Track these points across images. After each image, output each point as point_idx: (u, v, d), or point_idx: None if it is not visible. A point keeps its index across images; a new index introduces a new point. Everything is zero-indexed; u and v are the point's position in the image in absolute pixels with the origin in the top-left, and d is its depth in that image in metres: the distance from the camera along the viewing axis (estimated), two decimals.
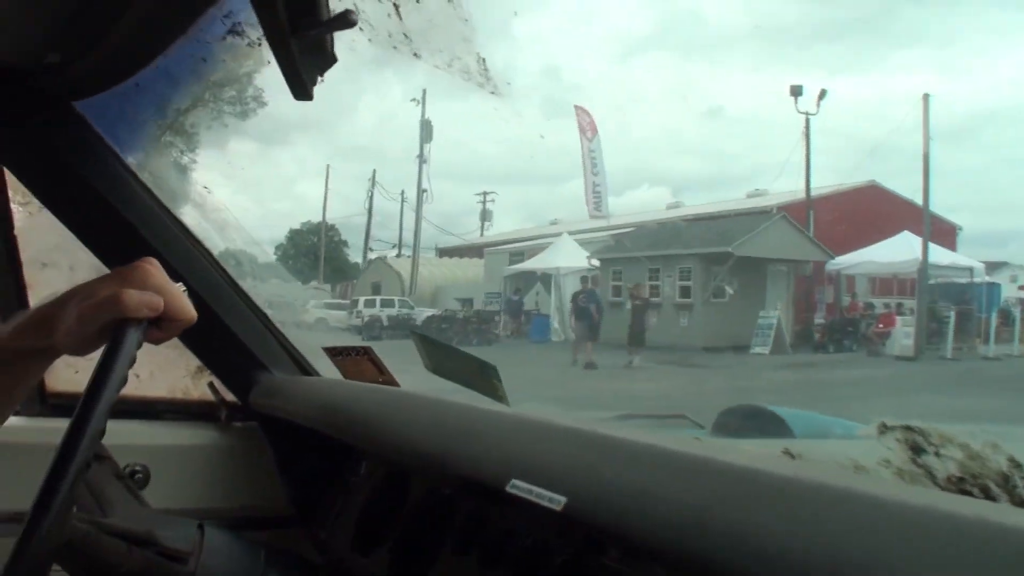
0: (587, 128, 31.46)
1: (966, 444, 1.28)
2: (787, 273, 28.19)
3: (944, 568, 0.69)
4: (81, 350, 1.10)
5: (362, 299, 33.88)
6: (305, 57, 0.91)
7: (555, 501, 1.01)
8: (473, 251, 41.74)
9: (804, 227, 28.46)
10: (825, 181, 31.90)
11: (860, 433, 1.76)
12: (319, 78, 0.99)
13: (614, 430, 1.19)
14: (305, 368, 2.15)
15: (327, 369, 2.20)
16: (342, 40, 1.09)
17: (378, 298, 33.71)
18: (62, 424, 1.07)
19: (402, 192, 36.85)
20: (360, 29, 1.11)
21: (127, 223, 1.86)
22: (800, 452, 1.40)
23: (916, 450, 1.30)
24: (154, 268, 1.08)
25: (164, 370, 2.17)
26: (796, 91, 29.69)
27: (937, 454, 1.29)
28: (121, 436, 1.25)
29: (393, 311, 31.29)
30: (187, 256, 1.90)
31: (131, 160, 1.90)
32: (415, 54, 1.05)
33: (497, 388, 1.76)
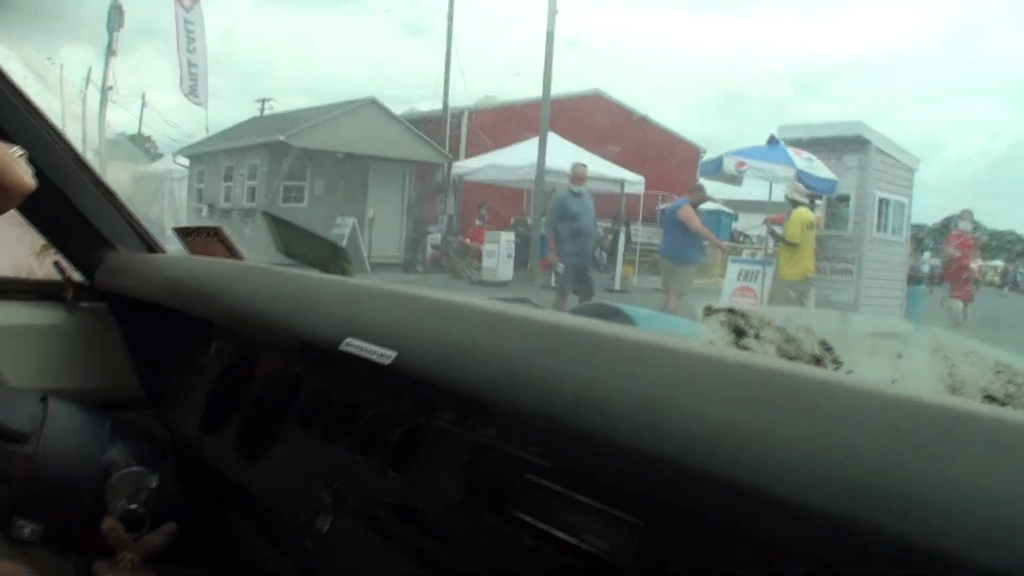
0: None
1: (783, 328, 1.37)
2: (402, 176, 23.40)
3: (745, 407, 0.74)
4: None
5: None
6: None
7: (385, 356, 1.05)
8: None
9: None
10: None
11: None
12: None
13: (450, 295, 1.23)
14: (152, 246, 2.11)
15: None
16: None
17: None
18: None
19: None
20: None
21: None
22: None
23: (738, 332, 1.38)
24: None
25: (7, 248, 2.10)
26: None
27: (757, 336, 1.38)
28: None
29: None
30: (27, 127, 1.82)
31: None
32: None
33: (347, 269, 1.78)
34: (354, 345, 1.11)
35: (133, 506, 1.40)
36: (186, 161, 24.90)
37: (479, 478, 1.03)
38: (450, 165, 23.55)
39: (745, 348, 1.38)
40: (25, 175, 1.11)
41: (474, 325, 1.08)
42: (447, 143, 24.23)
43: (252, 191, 22.36)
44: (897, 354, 1.42)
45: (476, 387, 0.95)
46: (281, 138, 21.03)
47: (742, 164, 13.54)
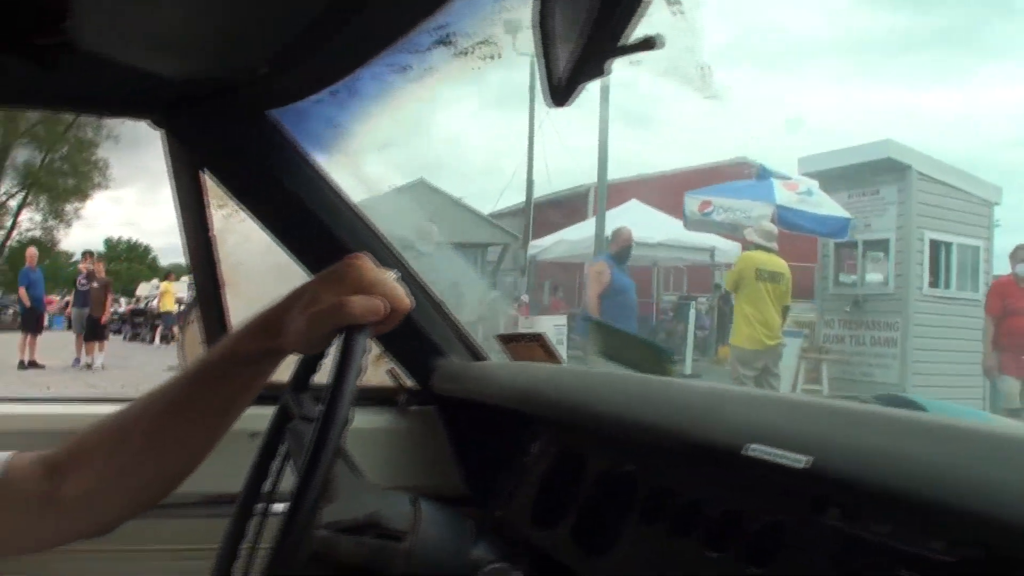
0: None
1: None
2: (474, 263, 22.34)
3: None
4: (308, 351, 1.22)
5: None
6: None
7: (797, 460, 1.08)
8: None
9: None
10: None
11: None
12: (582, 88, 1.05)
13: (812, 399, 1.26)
14: (477, 354, 2.27)
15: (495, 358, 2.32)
16: None
17: None
18: (261, 411, 1.25)
19: None
20: None
21: (319, 222, 2.00)
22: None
23: None
24: (367, 264, 1.16)
25: None
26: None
27: None
28: None
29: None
30: (375, 251, 2.03)
31: (321, 162, 2.04)
32: (633, 62, 1.11)
33: (671, 371, 1.83)
34: (760, 450, 1.15)
35: None
36: None
37: (851, 573, 1.04)
38: (526, 245, 22.59)
39: None
40: (406, 297, 1.15)
41: (873, 428, 1.10)
42: (531, 226, 23.40)
43: None
44: None
45: (892, 488, 0.97)
46: None
47: (707, 204, 11.23)
